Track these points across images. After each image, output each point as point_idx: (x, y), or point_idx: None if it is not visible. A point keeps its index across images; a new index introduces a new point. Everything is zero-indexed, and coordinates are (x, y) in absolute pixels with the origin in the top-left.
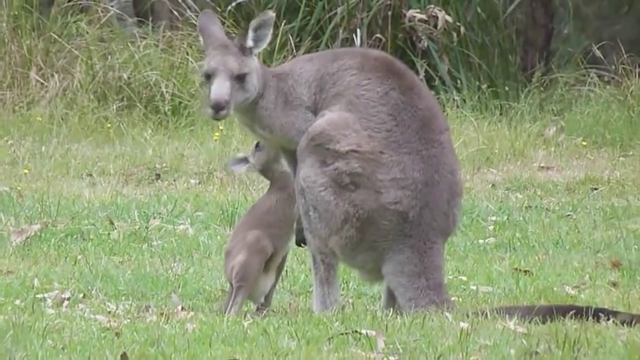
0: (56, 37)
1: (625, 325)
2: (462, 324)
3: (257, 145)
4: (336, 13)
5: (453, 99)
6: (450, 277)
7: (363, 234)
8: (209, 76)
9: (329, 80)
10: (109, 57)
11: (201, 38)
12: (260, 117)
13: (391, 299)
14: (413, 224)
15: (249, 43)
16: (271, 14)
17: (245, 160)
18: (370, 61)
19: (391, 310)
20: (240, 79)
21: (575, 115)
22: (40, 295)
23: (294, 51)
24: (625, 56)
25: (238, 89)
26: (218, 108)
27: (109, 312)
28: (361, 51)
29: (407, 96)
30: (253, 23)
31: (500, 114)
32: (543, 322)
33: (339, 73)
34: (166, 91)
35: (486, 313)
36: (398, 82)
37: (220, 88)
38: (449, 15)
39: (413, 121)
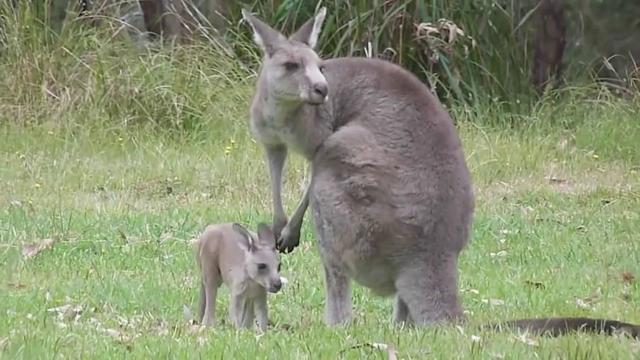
0: (67, 50)
1: (637, 337)
2: (473, 337)
3: (263, 266)
4: (347, 27)
5: (465, 112)
6: (462, 291)
7: (377, 248)
8: (295, 66)
9: (349, 98)
10: (121, 71)
11: (257, 33)
12: (297, 119)
13: (403, 312)
14: (427, 239)
15: (312, 39)
16: (324, 12)
17: (249, 244)
18: (386, 77)
19: (403, 323)
20: (321, 70)
21: (586, 127)
22: (51, 309)
23: None
24: (636, 69)
25: None
26: (326, 92)
27: (121, 326)
28: (376, 65)
29: (422, 111)
30: (317, 19)
31: (512, 127)
32: (555, 335)
33: (357, 90)
34: (178, 105)
35: (498, 326)
36: (413, 97)
37: (319, 73)
38: (460, 28)
39: (428, 136)
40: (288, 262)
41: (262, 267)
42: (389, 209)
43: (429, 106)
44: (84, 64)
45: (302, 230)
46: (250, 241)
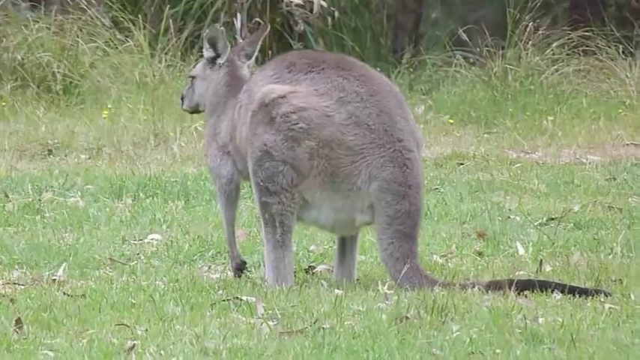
0: None
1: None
2: (336, 291)
3: None
4: None
5: None
6: (326, 248)
7: (336, 160)
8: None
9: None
10: (4, 39)
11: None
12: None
13: (341, 265)
14: (378, 132)
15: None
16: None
17: None
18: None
19: (344, 278)
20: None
21: (442, 94)
22: None
23: (179, 34)
24: (489, 39)
25: None
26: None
27: (4, 280)
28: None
29: (313, 57)
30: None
31: None
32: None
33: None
34: (58, 72)
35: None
36: (304, 53)
37: None
38: (324, 0)
39: (328, 63)
40: (161, 220)
41: None
42: (326, 119)
43: (317, 54)
44: None
45: (175, 190)
46: None
